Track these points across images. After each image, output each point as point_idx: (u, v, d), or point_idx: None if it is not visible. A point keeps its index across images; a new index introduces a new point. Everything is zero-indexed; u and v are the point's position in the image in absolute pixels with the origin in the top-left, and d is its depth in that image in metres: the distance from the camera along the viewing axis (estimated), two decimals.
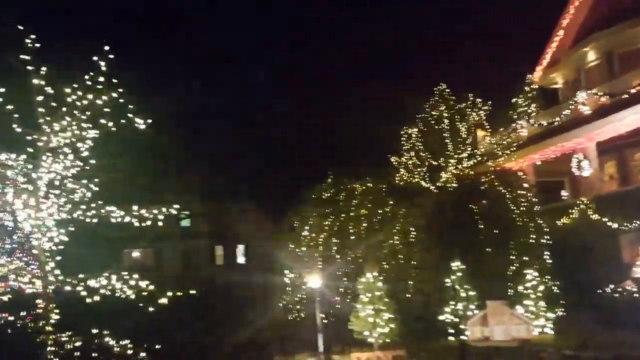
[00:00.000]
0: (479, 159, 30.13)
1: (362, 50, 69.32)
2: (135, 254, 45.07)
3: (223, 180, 46.58)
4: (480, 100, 30.13)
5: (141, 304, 17.03)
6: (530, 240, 25.74)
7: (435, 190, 29.29)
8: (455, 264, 23.86)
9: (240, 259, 48.25)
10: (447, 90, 30.26)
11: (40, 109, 16.48)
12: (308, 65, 68.56)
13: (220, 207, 45.93)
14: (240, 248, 47.98)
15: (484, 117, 30.44)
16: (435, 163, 30.02)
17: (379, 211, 27.33)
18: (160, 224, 17.66)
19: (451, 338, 22.93)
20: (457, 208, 26.61)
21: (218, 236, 46.89)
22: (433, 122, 30.14)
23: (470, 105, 30.06)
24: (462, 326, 22.88)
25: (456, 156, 29.60)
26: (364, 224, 27.32)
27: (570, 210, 29.70)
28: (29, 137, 16.76)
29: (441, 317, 23.52)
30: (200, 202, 45.38)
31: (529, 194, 27.16)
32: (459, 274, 23.76)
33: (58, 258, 17.11)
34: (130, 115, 16.94)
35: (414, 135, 30.50)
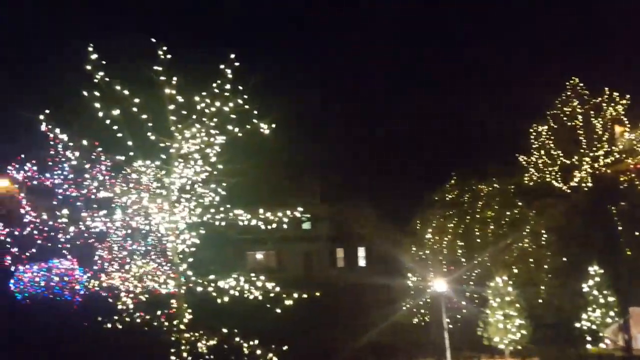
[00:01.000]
0: (617, 156, 28.38)
1: (488, 47, 67.21)
2: (258, 256, 46.29)
3: (343, 183, 46.81)
4: (617, 93, 28.33)
5: (268, 305, 17.27)
6: None
7: (568, 191, 27.96)
8: (593, 269, 22.52)
9: (361, 262, 48.12)
10: (580, 84, 28.73)
11: (172, 117, 17.13)
12: (430, 62, 67.44)
13: (340, 210, 46.11)
14: (361, 250, 47.88)
15: (622, 112, 28.61)
16: (568, 162, 28.69)
17: (507, 213, 26.40)
18: (285, 226, 17.86)
19: (589, 346, 21.78)
20: (594, 209, 25.24)
21: (338, 239, 47.09)
22: (565, 118, 28.78)
23: (607, 99, 28.33)
24: (601, 334, 21.65)
25: (591, 154, 28.11)
26: (490, 227, 26.49)
27: None
28: (162, 145, 17.46)
29: (577, 324, 22.39)
30: (321, 204, 45.85)
31: None
32: (597, 278, 22.42)
33: (190, 260, 17.71)
34: (254, 120, 17.24)
35: (544, 133, 29.27)
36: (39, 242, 27.13)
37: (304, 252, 46.44)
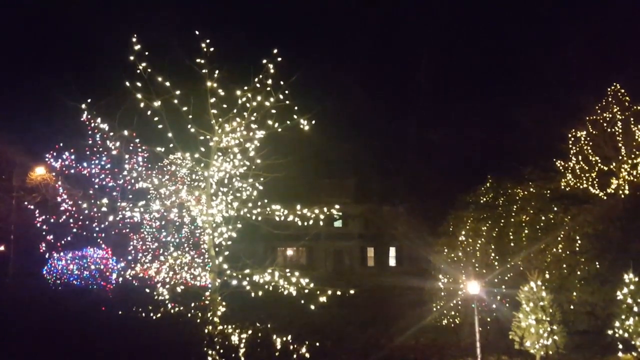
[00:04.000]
0: None
1: (529, 50, 66.30)
2: (289, 252, 46.59)
3: (377, 182, 46.80)
4: None
5: (302, 301, 17.31)
6: None
7: (604, 197, 27.41)
8: (628, 276, 22.06)
9: (392, 261, 48.06)
10: (621, 90, 28.25)
11: (212, 111, 17.24)
12: (468, 64, 66.82)
13: (373, 209, 46.17)
14: (392, 250, 47.82)
15: None
16: (606, 168, 28.11)
17: (543, 217, 25.99)
18: (321, 223, 17.89)
19: (620, 355, 21.36)
20: (630, 216, 24.71)
21: (370, 238, 47.14)
22: (605, 124, 28.30)
23: None
24: (634, 342, 21.22)
25: (630, 161, 27.49)
26: (525, 231, 26.11)
27: None
28: (201, 137, 17.59)
29: (610, 332, 21.96)
30: (354, 203, 45.95)
31: None
32: (632, 287, 21.95)
33: (226, 253, 17.82)
34: (295, 116, 17.28)
35: (582, 139, 28.76)
36: (74, 230, 27.59)
37: (334, 250, 46.63)
